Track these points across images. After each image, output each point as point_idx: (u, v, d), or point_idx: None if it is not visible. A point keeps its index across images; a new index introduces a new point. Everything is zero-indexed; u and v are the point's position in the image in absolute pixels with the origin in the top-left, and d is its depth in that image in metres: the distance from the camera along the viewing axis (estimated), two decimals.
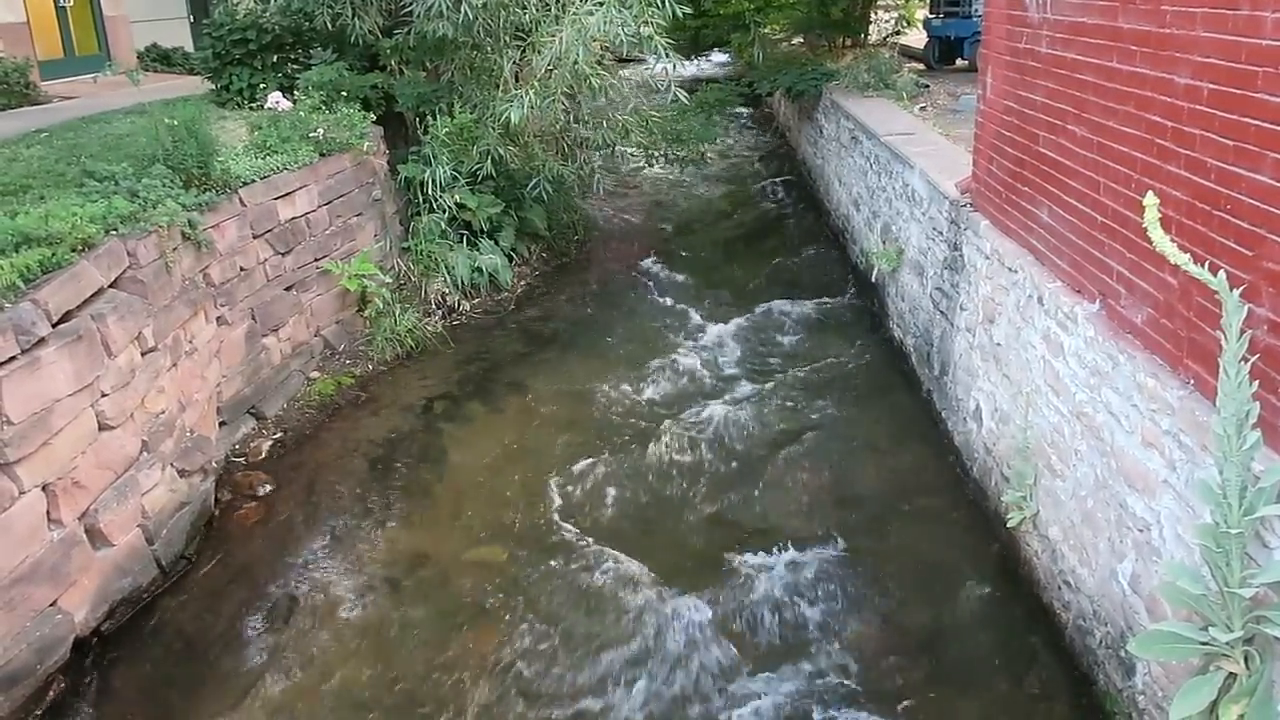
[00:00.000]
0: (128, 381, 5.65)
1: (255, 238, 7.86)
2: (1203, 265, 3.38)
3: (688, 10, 10.09)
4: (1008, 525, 5.82)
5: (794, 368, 9.02)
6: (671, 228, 14.56)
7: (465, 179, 10.52)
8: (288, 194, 8.29)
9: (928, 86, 14.27)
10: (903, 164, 9.38)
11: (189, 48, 18.51)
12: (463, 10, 9.63)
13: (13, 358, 4.72)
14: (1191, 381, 4.03)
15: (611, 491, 6.94)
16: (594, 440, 7.69)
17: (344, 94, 9.99)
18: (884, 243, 9.94)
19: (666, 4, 9.59)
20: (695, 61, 21.36)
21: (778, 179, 17.16)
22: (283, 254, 8.27)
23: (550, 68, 9.67)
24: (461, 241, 10.70)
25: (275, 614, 5.68)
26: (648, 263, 12.53)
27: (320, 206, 8.82)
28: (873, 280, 10.15)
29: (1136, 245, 4.46)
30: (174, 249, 6.52)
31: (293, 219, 8.39)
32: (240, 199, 7.62)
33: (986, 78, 6.78)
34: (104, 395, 5.42)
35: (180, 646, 5.42)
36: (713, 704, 4.92)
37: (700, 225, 14.76)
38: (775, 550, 6.16)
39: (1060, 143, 5.40)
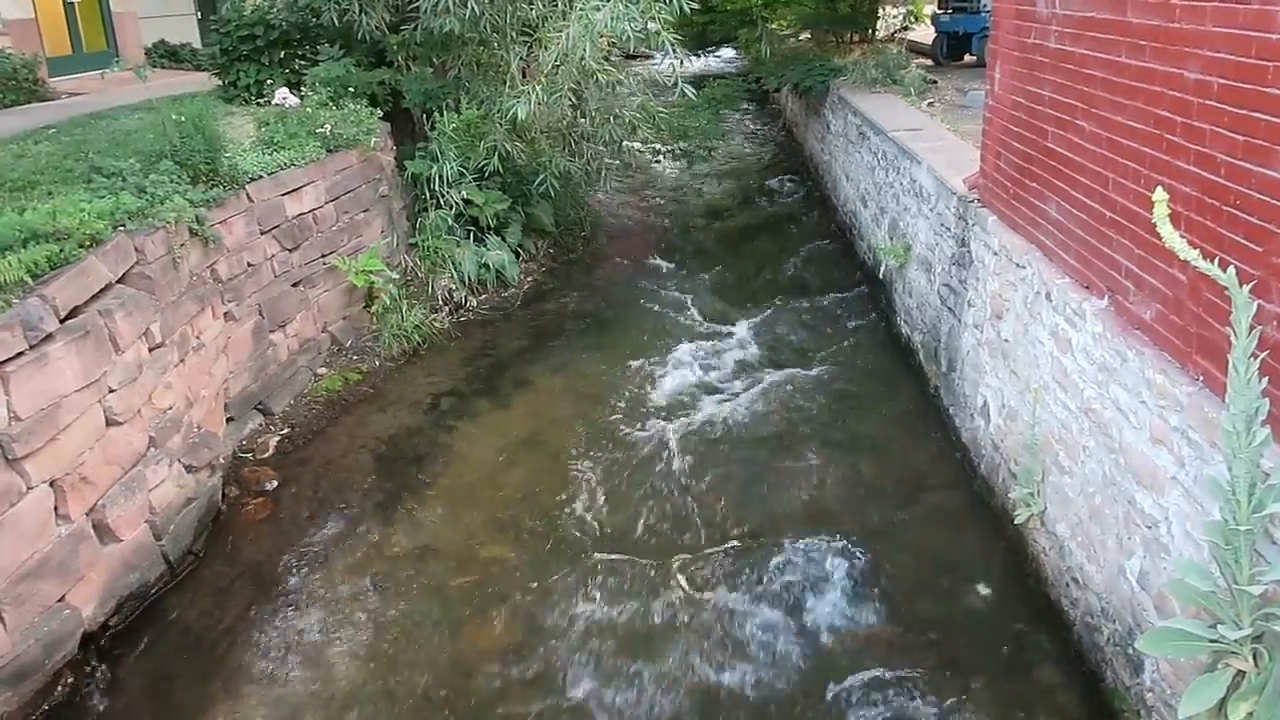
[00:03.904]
0: (135, 377, 5.67)
1: (263, 234, 7.87)
2: (1212, 261, 3.35)
3: (695, 6, 10.06)
4: (1015, 522, 5.81)
5: (801, 364, 9.01)
6: (678, 223, 14.54)
7: (472, 175, 10.53)
8: (295, 190, 8.30)
9: (935, 82, 14.21)
10: (910, 160, 9.35)
11: (197, 44, 18.55)
12: (469, 6, 9.64)
13: (20, 353, 4.73)
14: (1200, 378, 4.01)
15: (618, 488, 6.94)
16: (601, 436, 7.69)
17: (351, 90, 9.99)
18: (891, 239, 9.91)
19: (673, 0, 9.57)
20: (702, 57, 21.34)
21: (785, 175, 17.13)
22: (290, 250, 8.28)
23: (557, 63, 9.66)
24: (468, 238, 10.71)
25: (282, 609, 5.70)
26: (655, 259, 12.52)
27: (327, 203, 8.82)
28: (880, 276, 10.13)
29: (1145, 241, 4.44)
30: (181, 245, 6.53)
31: (300, 215, 8.40)
32: (248, 195, 7.63)
33: (994, 73, 6.76)
34: (111, 391, 5.44)
35: (187, 642, 5.43)
36: (717, 699, 4.92)
37: (707, 221, 14.73)
38: (781, 546, 6.16)
39: (1069, 138, 5.37)
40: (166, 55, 17.89)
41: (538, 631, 5.44)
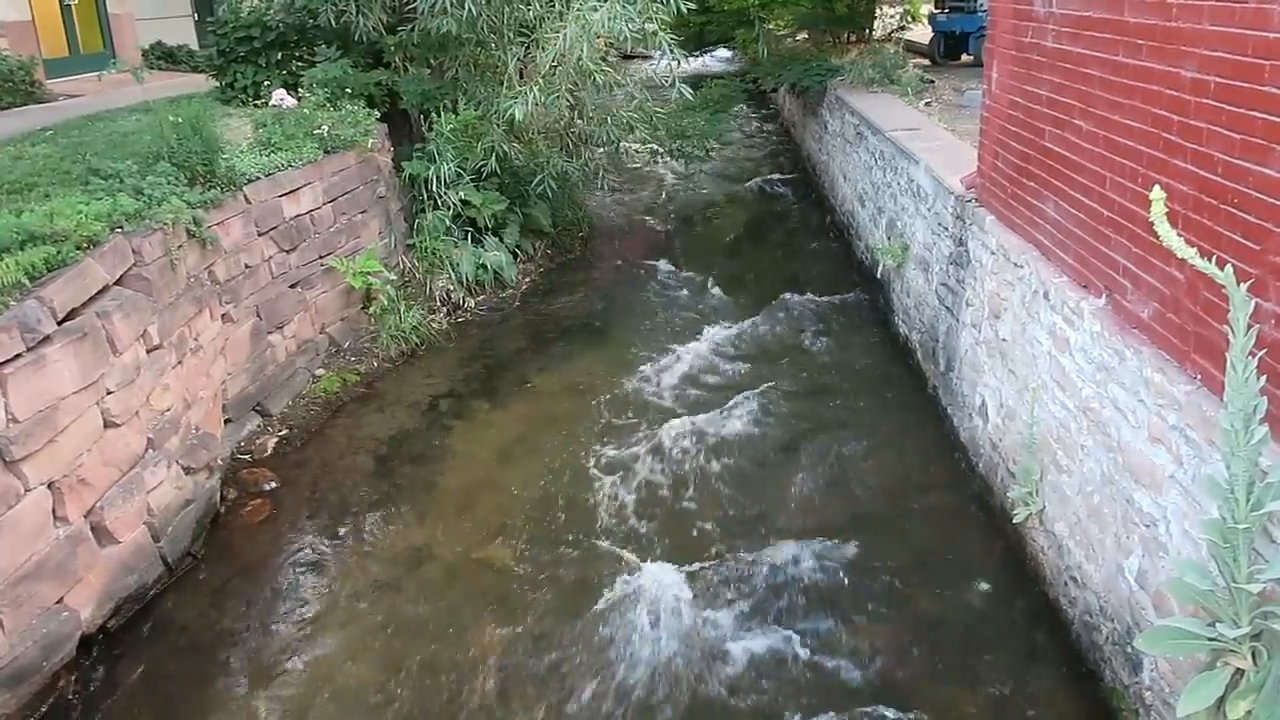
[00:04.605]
0: (133, 379, 5.66)
1: (260, 235, 7.86)
2: (1210, 259, 3.36)
3: (692, 6, 10.09)
4: (1013, 521, 5.81)
5: (799, 364, 9.01)
6: (676, 224, 14.55)
7: (470, 176, 10.53)
8: (292, 191, 8.29)
9: (933, 82, 14.22)
10: (908, 159, 9.36)
11: (194, 45, 18.54)
12: (467, 7, 9.63)
13: (18, 355, 4.72)
14: (1198, 376, 4.01)
15: (617, 488, 6.94)
16: (599, 437, 7.68)
17: (348, 91, 9.99)
18: (889, 239, 9.92)
19: (670, 0, 9.58)
20: (700, 58, 21.33)
21: (782, 175, 17.13)
22: (288, 251, 8.27)
23: (554, 64, 9.67)
24: (466, 238, 10.71)
25: (280, 611, 5.69)
26: (652, 259, 12.52)
27: (325, 204, 8.82)
28: (878, 276, 10.13)
29: (1143, 239, 4.44)
30: (179, 246, 6.52)
31: (297, 216, 8.40)
32: (245, 196, 7.62)
33: (992, 72, 6.76)
34: (109, 393, 5.43)
35: (186, 643, 5.43)
36: (718, 699, 4.92)
37: (705, 221, 14.74)
38: (779, 545, 6.15)
39: (1066, 137, 5.38)
40: (164, 57, 17.88)
41: (537, 633, 5.43)
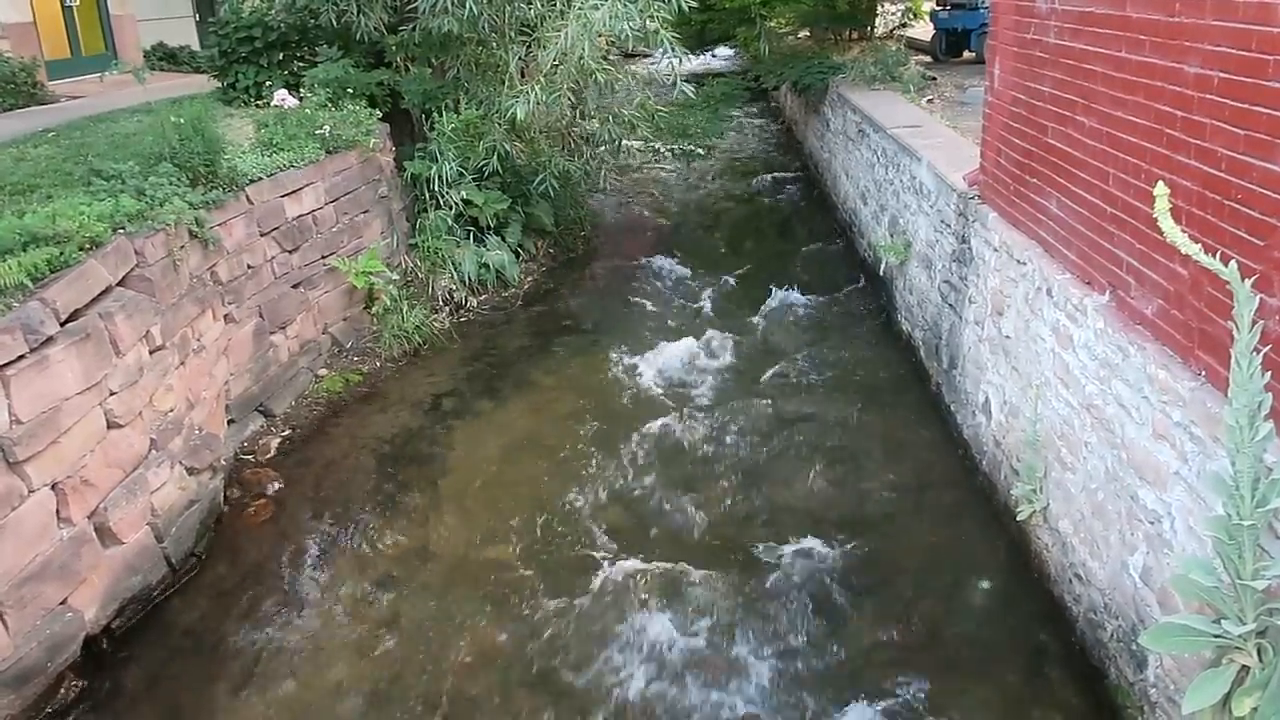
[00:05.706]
0: (136, 380, 5.66)
1: (262, 235, 7.86)
2: (1213, 255, 3.34)
3: (693, 4, 10.09)
4: (1017, 518, 5.81)
5: (802, 362, 9.01)
6: (678, 222, 14.53)
7: (472, 175, 10.53)
8: (294, 191, 8.29)
9: (934, 79, 14.21)
10: (910, 157, 9.34)
11: (195, 46, 18.57)
12: (468, 6, 9.64)
13: (21, 356, 4.73)
14: (1203, 373, 4.00)
15: (619, 487, 6.94)
16: (602, 435, 7.68)
17: (350, 91, 9.99)
18: (891, 236, 9.91)
19: None
20: (701, 56, 21.34)
21: (784, 173, 17.12)
22: (290, 251, 8.27)
23: (556, 63, 9.68)
24: (468, 238, 10.70)
25: (284, 611, 5.70)
26: (654, 257, 12.50)
27: (327, 204, 8.82)
28: (880, 273, 10.12)
29: (1146, 236, 4.43)
30: (181, 247, 6.53)
31: (300, 216, 8.40)
32: (247, 197, 7.62)
33: (994, 69, 6.75)
34: (112, 394, 5.43)
35: (190, 644, 5.43)
36: (720, 696, 4.92)
37: (707, 219, 14.73)
38: (783, 544, 6.15)
39: (1069, 133, 5.37)
40: (165, 58, 17.90)
41: (539, 633, 5.43)
